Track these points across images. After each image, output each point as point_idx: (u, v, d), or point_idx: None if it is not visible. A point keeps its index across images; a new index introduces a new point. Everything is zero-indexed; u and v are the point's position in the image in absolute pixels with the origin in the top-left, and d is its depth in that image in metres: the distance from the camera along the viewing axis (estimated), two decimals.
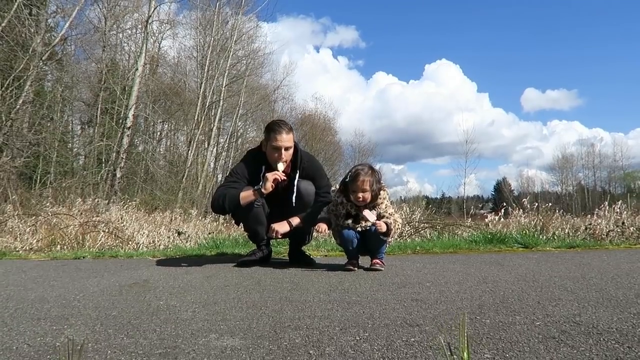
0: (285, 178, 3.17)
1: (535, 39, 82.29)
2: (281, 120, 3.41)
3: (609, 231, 5.52)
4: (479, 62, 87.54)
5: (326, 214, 3.19)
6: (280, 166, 3.18)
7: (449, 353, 0.70)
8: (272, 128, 3.24)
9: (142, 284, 2.61)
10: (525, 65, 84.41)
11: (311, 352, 1.37)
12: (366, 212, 3.00)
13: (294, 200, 3.21)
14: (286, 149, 3.22)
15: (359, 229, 3.06)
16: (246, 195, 3.16)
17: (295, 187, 3.24)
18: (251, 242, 3.62)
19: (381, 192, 3.08)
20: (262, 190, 3.12)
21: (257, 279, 2.72)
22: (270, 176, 3.10)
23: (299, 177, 3.29)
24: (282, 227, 3.17)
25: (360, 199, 3.00)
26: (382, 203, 3.07)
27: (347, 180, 3.07)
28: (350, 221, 3.07)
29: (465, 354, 0.68)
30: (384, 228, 2.97)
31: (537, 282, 2.49)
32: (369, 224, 3.02)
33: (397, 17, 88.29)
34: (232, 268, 3.24)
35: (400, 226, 3.12)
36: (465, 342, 0.67)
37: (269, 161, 3.28)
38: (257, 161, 3.33)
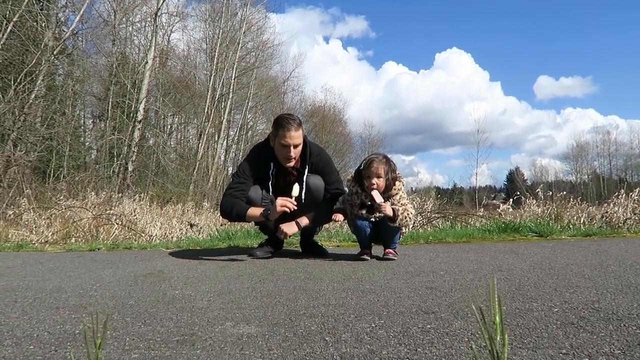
0: (296, 208, 3.01)
1: (549, 26, 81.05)
2: (290, 114, 3.29)
3: (626, 219, 5.43)
4: (491, 50, 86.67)
5: (341, 204, 3.17)
6: (295, 190, 3.05)
7: (480, 317, 0.68)
8: (281, 124, 3.13)
9: (157, 274, 2.64)
10: (539, 52, 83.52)
11: (327, 338, 1.37)
12: (374, 193, 2.96)
13: (303, 196, 3.15)
14: (295, 146, 3.13)
15: (373, 219, 3.05)
16: (253, 214, 3.09)
17: (304, 183, 3.19)
18: (262, 233, 3.63)
19: (397, 182, 3.05)
20: (269, 217, 3.04)
21: (271, 269, 2.73)
22: (280, 205, 2.98)
23: (308, 172, 3.22)
24: (290, 228, 3.12)
25: (374, 185, 2.97)
26: (396, 194, 3.04)
27: (361, 167, 3.06)
28: (364, 211, 3.06)
29: (497, 317, 0.66)
30: (389, 211, 2.93)
31: (554, 269, 2.46)
32: (382, 215, 3.00)
33: (406, 5, 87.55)
34: (245, 258, 3.25)
35: (412, 217, 3.08)
36: (497, 306, 0.66)
37: (278, 157, 3.21)
38: (265, 157, 3.26)
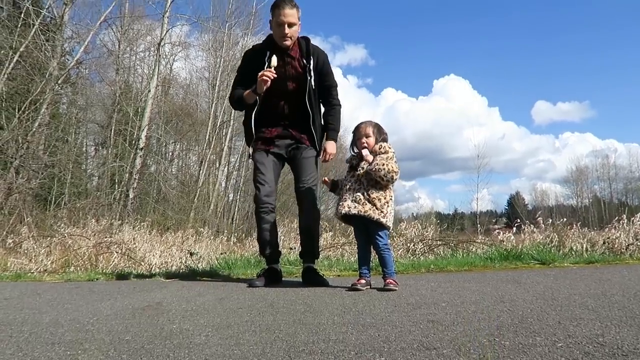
0: (275, 75, 3.17)
1: (545, 50, 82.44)
2: None
3: (628, 245, 5.40)
4: (489, 76, 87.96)
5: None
6: (274, 61, 3.19)
7: None
8: (276, 3, 3.26)
9: (155, 307, 2.60)
10: (536, 78, 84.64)
11: None
12: (365, 152, 3.09)
13: (313, 84, 3.33)
14: (290, 24, 3.23)
15: (360, 170, 3.11)
16: (247, 95, 3.34)
17: (311, 77, 3.33)
18: (261, 256, 3.61)
19: (386, 144, 3.14)
20: (257, 90, 3.24)
21: (270, 301, 2.69)
22: (259, 78, 3.16)
23: (312, 68, 3.35)
24: (332, 147, 3.43)
25: (365, 144, 3.10)
26: (385, 152, 3.08)
27: (353, 135, 3.23)
28: (350, 177, 3.15)
29: None
30: (370, 159, 3.04)
31: (557, 300, 2.43)
32: (366, 165, 3.07)
33: (404, 34, 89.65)
34: (244, 289, 3.21)
35: (390, 170, 2.99)
36: None
37: (275, 39, 3.33)
38: (262, 47, 3.40)
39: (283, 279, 3.66)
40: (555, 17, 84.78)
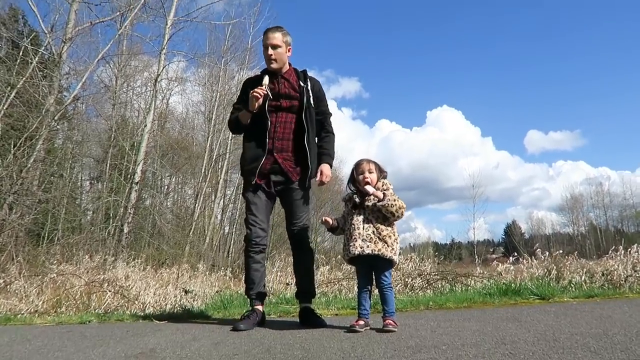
0: (266, 92, 3.27)
1: (534, 81, 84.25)
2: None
3: (627, 276, 5.37)
4: (481, 106, 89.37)
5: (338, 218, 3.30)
6: (266, 80, 3.33)
7: None
8: (264, 30, 3.46)
9: (148, 354, 2.53)
10: (527, 107, 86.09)
11: None
12: (368, 187, 3.07)
13: (309, 102, 3.41)
14: (273, 46, 3.38)
15: (366, 203, 3.08)
16: (242, 115, 3.43)
17: (307, 95, 3.41)
18: (246, 295, 3.56)
19: (387, 181, 3.16)
20: (250, 108, 3.33)
21: (267, 346, 2.62)
22: (251, 96, 3.27)
23: (309, 89, 3.44)
24: (328, 169, 3.42)
25: (368, 179, 3.09)
26: (386, 189, 3.10)
27: (352, 172, 3.21)
28: (354, 210, 3.11)
29: None
30: (379, 194, 3.03)
31: (558, 341, 2.39)
32: (370, 201, 3.05)
33: (397, 66, 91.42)
34: (240, 333, 3.12)
35: (401, 206, 3.03)
36: None
37: (266, 63, 3.47)
38: (257, 79, 3.50)
39: (280, 319, 3.60)
40: (543, 47, 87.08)
